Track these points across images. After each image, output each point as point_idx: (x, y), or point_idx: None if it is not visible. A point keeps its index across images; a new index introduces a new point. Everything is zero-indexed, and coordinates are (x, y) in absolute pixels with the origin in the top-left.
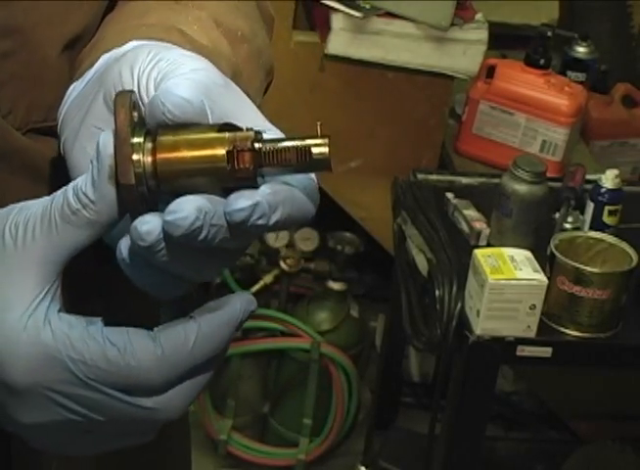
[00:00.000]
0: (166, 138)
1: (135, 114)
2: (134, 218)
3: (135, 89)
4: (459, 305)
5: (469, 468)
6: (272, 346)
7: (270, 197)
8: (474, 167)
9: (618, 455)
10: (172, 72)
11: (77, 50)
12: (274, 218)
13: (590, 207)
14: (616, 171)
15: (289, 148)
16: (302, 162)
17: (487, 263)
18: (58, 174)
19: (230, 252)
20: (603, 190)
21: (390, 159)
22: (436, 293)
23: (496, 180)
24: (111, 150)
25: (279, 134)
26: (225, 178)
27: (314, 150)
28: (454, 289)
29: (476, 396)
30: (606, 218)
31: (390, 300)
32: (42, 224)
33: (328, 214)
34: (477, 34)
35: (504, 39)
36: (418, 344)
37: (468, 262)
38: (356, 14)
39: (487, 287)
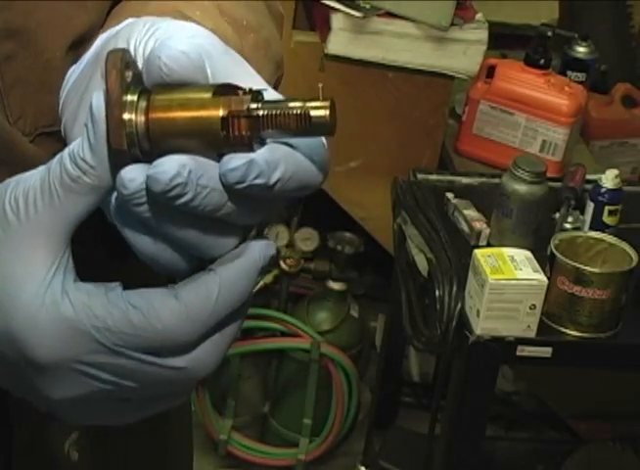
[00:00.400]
0: (161, 97)
1: (129, 73)
2: None
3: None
4: (459, 305)
5: (469, 468)
6: (272, 346)
7: (267, 154)
8: (474, 167)
9: (618, 455)
10: (167, 40)
11: (81, 51)
12: (274, 177)
13: (590, 207)
14: (616, 171)
15: (288, 112)
16: (302, 126)
17: (487, 263)
18: None
19: (239, 226)
20: (603, 190)
21: (390, 159)
22: (436, 293)
23: (496, 180)
24: (104, 111)
25: (279, 97)
26: (220, 144)
27: (314, 113)
28: (454, 289)
29: (476, 396)
30: (606, 218)
31: (390, 300)
32: (43, 195)
33: (328, 214)
34: (477, 34)
35: (504, 39)
36: (418, 344)
37: (468, 262)
38: (356, 14)
39: (487, 287)
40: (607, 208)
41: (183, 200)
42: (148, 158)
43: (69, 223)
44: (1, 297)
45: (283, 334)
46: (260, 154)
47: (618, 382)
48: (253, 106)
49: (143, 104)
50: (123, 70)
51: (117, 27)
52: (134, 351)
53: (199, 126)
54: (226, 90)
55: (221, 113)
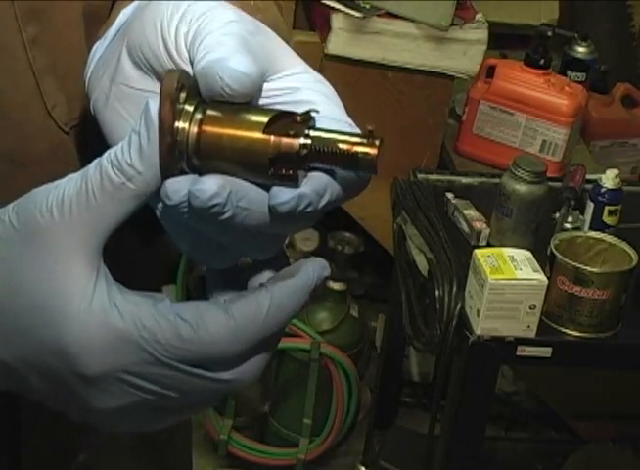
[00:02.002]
0: (215, 115)
1: (184, 94)
2: None
3: (161, 45)
4: (459, 305)
5: (469, 468)
6: None
7: (314, 185)
8: (474, 167)
9: (618, 455)
10: (204, 28)
11: (93, 24)
12: (323, 202)
13: (590, 207)
14: (616, 171)
15: (336, 151)
16: (348, 166)
17: (487, 263)
18: None
19: (280, 235)
20: (603, 190)
21: (390, 159)
22: (436, 293)
23: (496, 180)
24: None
25: (321, 89)
26: (266, 179)
27: (362, 154)
28: (454, 289)
29: (476, 396)
30: (606, 218)
31: (390, 300)
32: (80, 204)
33: (328, 214)
34: (477, 34)
35: (504, 39)
36: (418, 344)
37: (468, 262)
38: (356, 14)
39: (487, 287)
40: (607, 208)
41: (222, 218)
42: (193, 171)
43: (107, 231)
44: (49, 311)
45: (283, 334)
46: (308, 186)
47: (618, 382)
48: (303, 143)
49: (198, 116)
50: (178, 93)
51: (141, 3)
52: (181, 363)
53: (248, 159)
54: (281, 116)
55: (270, 155)
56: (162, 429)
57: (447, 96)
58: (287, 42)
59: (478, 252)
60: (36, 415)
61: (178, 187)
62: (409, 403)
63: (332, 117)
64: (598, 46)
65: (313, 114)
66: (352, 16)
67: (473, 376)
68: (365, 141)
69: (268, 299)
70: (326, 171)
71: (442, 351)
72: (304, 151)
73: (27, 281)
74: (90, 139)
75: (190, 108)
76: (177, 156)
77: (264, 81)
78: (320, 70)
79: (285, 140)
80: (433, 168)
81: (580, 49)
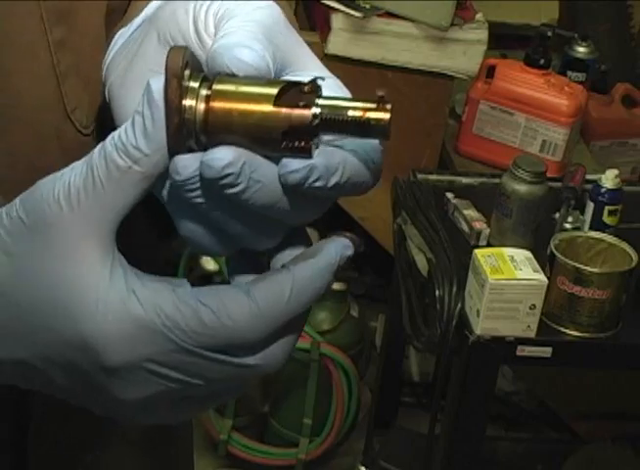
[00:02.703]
0: (223, 89)
1: (188, 71)
2: None
3: (191, 26)
4: (459, 305)
5: (469, 468)
6: None
7: (326, 159)
8: (474, 167)
9: (618, 455)
10: (234, 10)
11: (113, 19)
12: (332, 181)
13: (590, 207)
14: (616, 171)
15: (347, 118)
16: (360, 132)
17: (487, 263)
18: None
19: (286, 226)
20: (603, 190)
21: (390, 159)
22: (436, 293)
23: (496, 180)
24: (163, 98)
25: (335, 85)
26: (278, 151)
27: (374, 120)
28: (454, 289)
29: (476, 396)
30: (606, 218)
31: (390, 300)
32: (87, 192)
33: (328, 214)
34: (477, 34)
35: (504, 39)
36: (418, 344)
37: (468, 262)
38: (356, 14)
39: (487, 287)
40: (607, 208)
41: (234, 190)
42: (202, 149)
43: (118, 217)
44: (66, 304)
45: None
46: (320, 159)
47: (618, 382)
48: (314, 113)
49: (204, 92)
50: (183, 71)
51: None
52: (204, 349)
53: (259, 133)
54: (288, 88)
55: (282, 128)
56: (166, 429)
57: (447, 96)
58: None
59: (478, 252)
60: (43, 417)
61: (187, 163)
62: (409, 403)
63: None
64: (598, 46)
65: (319, 82)
66: (352, 16)
67: (473, 376)
68: (376, 106)
69: (290, 280)
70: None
71: (442, 351)
72: (316, 121)
73: (42, 275)
74: None
75: (195, 84)
76: (185, 134)
77: (281, 76)
78: None
79: (296, 111)
80: (433, 168)
81: (580, 49)
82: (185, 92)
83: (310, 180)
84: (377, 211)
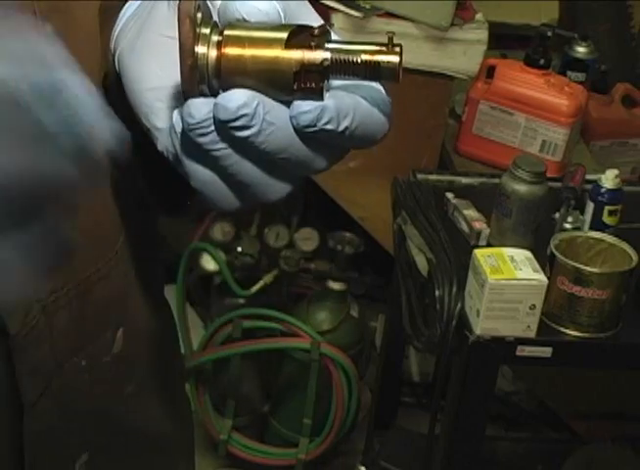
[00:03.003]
0: (235, 35)
1: (200, 15)
2: None
3: None
4: (459, 305)
5: (469, 468)
6: (272, 346)
7: (337, 102)
8: (474, 167)
9: (618, 455)
10: None
11: (108, 15)
12: (344, 124)
13: (590, 207)
14: (616, 171)
15: (358, 60)
16: (370, 75)
17: (487, 263)
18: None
19: (296, 176)
20: (603, 190)
21: (390, 159)
22: (436, 293)
23: (496, 180)
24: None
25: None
26: (290, 92)
27: (383, 62)
28: (454, 289)
29: (476, 396)
30: (606, 218)
31: (390, 300)
32: None
33: (328, 214)
34: (477, 34)
35: (504, 39)
36: (418, 344)
37: (468, 262)
38: (356, 14)
39: (487, 287)
40: (607, 208)
41: (248, 132)
42: (215, 94)
43: None
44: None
45: (283, 334)
46: (331, 101)
47: (618, 382)
48: (325, 56)
49: (215, 38)
50: (195, 16)
51: None
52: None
53: (271, 76)
54: (299, 31)
55: (294, 68)
56: (167, 428)
57: (447, 96)
58: None
59: (478, 252)
60: (40, 415)
61: (200, 106)
62: (409, 403)
63: None
64: (598, 46)
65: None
66: (352, 16)
67: (473, 376)
68: (385, 49)
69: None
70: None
71: (442, 351)
72: (327, 62)
73: None
74: None
75: (206, 31)
76: (198, 79)
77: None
78: None
79: (307, 53)
80: (433, 168)
81: (580, 49)
82: (197, 38)
83: (322, 122)
84: (377, 211)
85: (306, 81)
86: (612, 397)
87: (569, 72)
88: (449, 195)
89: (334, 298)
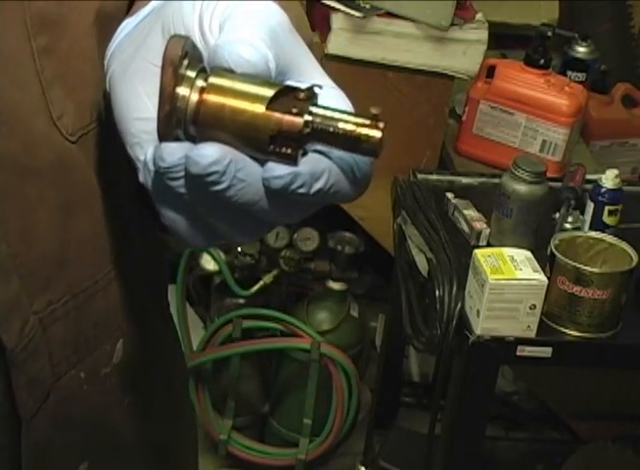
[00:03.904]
0: (218, 83)
1: (186, 61)
2: None
3: (196, 24)
4: (459, 305)
5: (469, 468)
6: (272, 346)
7: (311, 166)
8: (474, 167)
9: (618, 455)
10: (241, 10)
11: (107, 26)
12: (316, 187)
13: (590, 207)
14: (616, 171)
15: (338, 131)
16: (350, 148)
17: (487, 263)
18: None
19: (268, 223)
20: (603, 190)
21: (390, 159)
22: (436, 293)
23: (496, 180)
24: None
25: (337, 95)
26: (265, 154)
27: (364, 137)
28: (454, 289)
29: (476, 396)
30: (606, 218)
31: (390, 300)
32: None
33: (328, 214)
34: (477, 34)
35: (504, 39)
36: (418, 344)
37: (468, 262)
38: (356, 14)
39: (487, 287)
40: (607, 208)
41: (218, 188)
42: (190, 139)
43: None
44: None
45: (283, 334)
46: (305, 167)
47: (618, 382)
48: (305, 122)
49: (200, 83)
50: (182, 60)
51: None
52: None
53: (247, 134)
54: (284, 92)
55: (271, 132)
56: (169, 435)
57: (447, 96)
58: (309, 41)
59: (478, 252)
60: (38, 428)
61: (173, 150)
62: (409, 403)
63: None
64: (598, 46)
65: (316, 90)
66: (352, 16)
67: (473, 376)
68: (369, 123)
69: None
70: (324, 155)
71: (442, 351)
72: (307, 129)
73: None
74: (100, 147)
75: (192, 74)
76: (175, 123)
77: (283, 80)
78: None
79: (287, 118)
80: (433, 168)
81: (580, 49)
82: (181, 80)
83: (293, 186)
84: (377, 211)
85: (282, 146)
86: (612, 397)
87: (569, 72)
88: (449, 195)
89: (334, 298)
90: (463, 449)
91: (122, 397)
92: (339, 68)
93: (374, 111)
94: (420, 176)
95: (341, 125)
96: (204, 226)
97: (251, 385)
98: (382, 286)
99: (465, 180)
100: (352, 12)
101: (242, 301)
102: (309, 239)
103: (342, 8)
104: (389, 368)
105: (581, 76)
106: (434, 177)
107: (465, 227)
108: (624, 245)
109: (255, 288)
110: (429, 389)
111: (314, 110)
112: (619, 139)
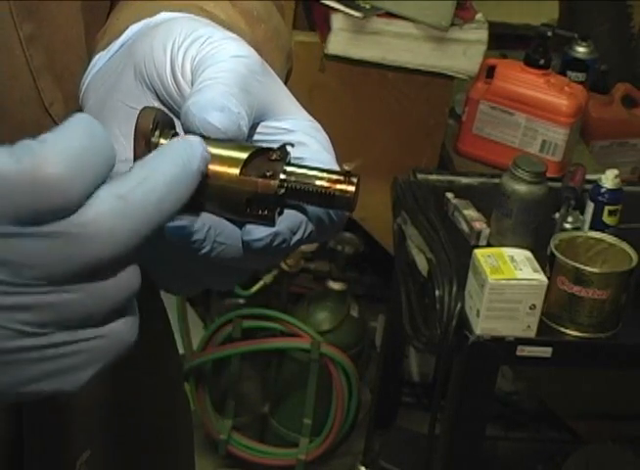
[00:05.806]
0: None
1: (157, 132)
2: None
3: (169, 68)
4: (459, 305)
5: (469, 468)
6: (272, 346)
7: (289, 222)
8: (474, 167)
9: (618, 455)
10: (211, 57)
11: (95, 12)
12: (296, 238)
13: (590, 207)
14: (616, 171)
15: (312, 189)
16: (324, 204)
17: (487, 263)
18: None
19: (248, 270)
20: (603, 190)
21: (390, 159)
22: (436, 293)
23: (496, 180)
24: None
25: (313, 128)
26: (242, 217)
27: (339, 193)
28: (454, 289)
29: (476, 396)
30: (606, 218)
31: (390, 300)
32: None
33: None
34: (477, 34)
35: (504, 39)
36: (418, 344)
37: (468, 262)
38: (356, 14)
39: (487, 287)
40: (607, 208)
41: (201, 253)
42: None
43: None
44: None
45: (283, 334)
46: (283, 224)
47: (618, 382)
48: (279, 184)
49: None
50: (153, 132)
51: (152, 21)
52: None
53: (223, 198)
54: (257, 154)
55: (247, 196)
56: (166, 427)
57: (447, 96)
58: (288, 47)
59: (478, 252)
60: (38, 416)
61: None
62: (409, 403)
63: (320, 162)
64: (598, 46)
65: (289, 148)
66: (352, 16)
67: (473, 376)
68: (342, 178)
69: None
70: (300, 208)
71: (442, 351)
72: (281, 190)
73: None
74: None
75: (164, 142)
76: None
77: (260, 121)
78: (320, 71)
79: (262, 181)
80: (433, 168)
81: (580, 49)
82: (154, 148)
83: (274, 245)
84: (377, 212)
85: (259, 209)
86: (612, 397)
87: (569, 72)
88: (449, 195)
89: (334, 298)
90: (463, 449)
91: (121, 387)
92: (339, 68)
93: (347, 167)
94: (420, 176)
95: (315, 182)
96: (183, 276)
97: (250, 385)
98: (382, 286)
99: (465, 180)
100: (352, 12)
101: (242, 300)
102: None
103: (342, 8)
104: (389, 368)
105: (581, 76)
106: (434, 177)
107: (465, 227)
108: (624, 245)
109: (255, 288)
110: (429, 389)
111: (288, 169)
112: (619, 139)
